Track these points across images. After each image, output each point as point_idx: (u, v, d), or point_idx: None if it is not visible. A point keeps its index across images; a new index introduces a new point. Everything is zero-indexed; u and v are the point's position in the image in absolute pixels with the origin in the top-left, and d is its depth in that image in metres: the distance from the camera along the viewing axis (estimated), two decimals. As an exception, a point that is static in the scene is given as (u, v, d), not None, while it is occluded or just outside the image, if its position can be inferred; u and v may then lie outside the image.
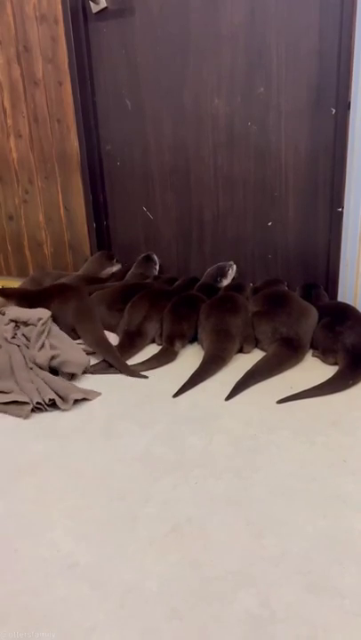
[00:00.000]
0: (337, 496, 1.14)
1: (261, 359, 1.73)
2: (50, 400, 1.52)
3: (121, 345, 1.86)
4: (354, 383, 1.60)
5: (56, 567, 1.00)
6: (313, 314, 1.83)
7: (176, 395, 1.59)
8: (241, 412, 1.49)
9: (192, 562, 0.99)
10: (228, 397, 1.56)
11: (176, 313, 1.94)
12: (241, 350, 1.83)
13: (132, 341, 1.88)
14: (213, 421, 1.44)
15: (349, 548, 1.00)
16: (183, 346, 1.90)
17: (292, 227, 2.22)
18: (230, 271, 2.23)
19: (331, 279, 2.13)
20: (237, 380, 1.62)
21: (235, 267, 2.26)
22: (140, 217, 2.53)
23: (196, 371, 1.68)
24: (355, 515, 1.08)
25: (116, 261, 2.54)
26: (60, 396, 1.55)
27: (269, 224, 2.25)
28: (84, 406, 1.56)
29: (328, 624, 0.86)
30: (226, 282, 2.20)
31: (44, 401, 1.52)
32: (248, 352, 1.84)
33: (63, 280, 2.34)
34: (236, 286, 2.13)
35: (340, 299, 2.10)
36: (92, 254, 2.62)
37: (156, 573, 0.97)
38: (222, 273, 2.21)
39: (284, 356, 1.72)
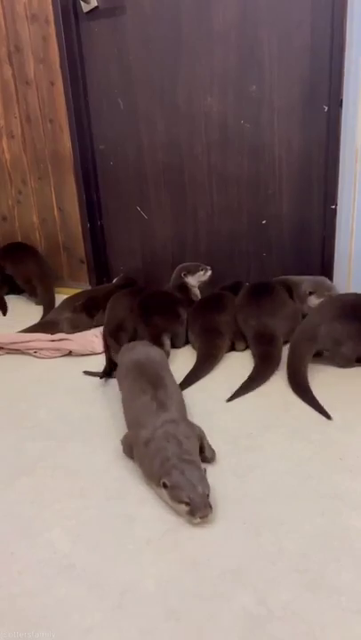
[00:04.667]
0: (334, 494, 1.14)
1: (255, 362, 1.72)
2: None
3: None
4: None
5: (53, 568, 0.99)
6: (289, 307, 1.87)
7: (172, 394, 1.58)
8: (237, 410, 1.49)
9: (189, 561, 0.99)
10: (231, 399, 1.55)
11: (145, 312, 1.91)
12: (233, 348, 1.84)
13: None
14: (209, 420, 1.44)
15: (346, 546, 1.01)
16: (169, 338, 1.87)
17: (287, 224, 2.22)
18: (201, 272, 2.14)
19: (325, 275, 2.13)
20: (231, 378, 1.63)
21: (209, 270, 2.15)
22: (134, 216, 2.52)
23: (190, 371, 1.69)
24: (351, 512, 1.09)
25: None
26: None
27: (264, 222, 2.25)
28: (81, 406, 1.56)
29: (325, 622, 0.86)
30: (191, 277, 2.13)
31: None
32: (240, 350, 1.85)
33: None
34: (234, 286, 2.13)
35: (333, 295, 2.10)
36: (86, 255, 2.60)
37: (153, 573, 0.97)
38: (188, 269, 2.14)
39: (266, 354, 1.71)
